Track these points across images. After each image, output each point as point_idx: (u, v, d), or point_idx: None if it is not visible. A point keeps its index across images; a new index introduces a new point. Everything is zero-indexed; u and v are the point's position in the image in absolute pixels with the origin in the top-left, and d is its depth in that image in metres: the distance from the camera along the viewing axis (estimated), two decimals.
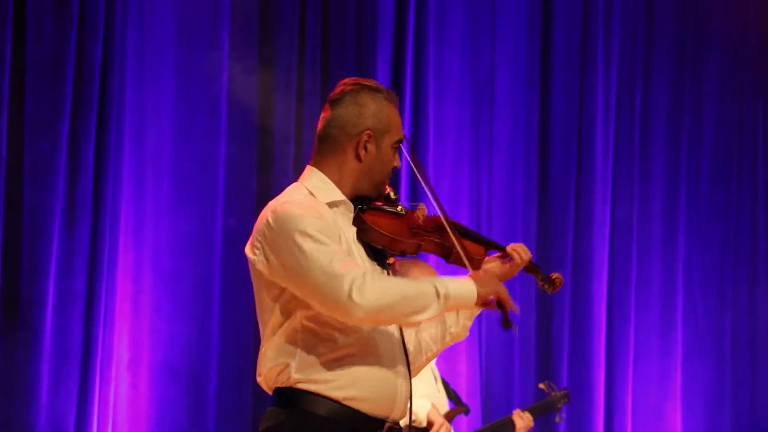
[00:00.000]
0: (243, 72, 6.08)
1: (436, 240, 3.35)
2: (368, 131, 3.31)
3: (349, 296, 3.11)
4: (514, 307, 3.24)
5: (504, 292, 3.24)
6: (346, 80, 3.38)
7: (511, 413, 5.34)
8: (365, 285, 3.12)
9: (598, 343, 6.62)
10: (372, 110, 3.32)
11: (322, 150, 3.35)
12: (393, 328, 3.31)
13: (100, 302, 5.74)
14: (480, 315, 6.29)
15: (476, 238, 3.47)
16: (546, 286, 3.55)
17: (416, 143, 6.50)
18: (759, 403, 6.92)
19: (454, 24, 6.64)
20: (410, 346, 3.39)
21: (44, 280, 5.69)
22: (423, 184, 3.40)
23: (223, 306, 5.93)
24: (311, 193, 3.30)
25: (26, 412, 5.60)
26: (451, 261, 3.40)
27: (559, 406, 5.60)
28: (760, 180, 7.06)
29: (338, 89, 3.36)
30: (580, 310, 6.65)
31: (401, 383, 3.30)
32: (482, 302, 3.23)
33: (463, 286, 3.20)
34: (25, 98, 5.75)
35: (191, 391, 5.87)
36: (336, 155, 3.33)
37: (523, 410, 5.36)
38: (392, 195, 3.39)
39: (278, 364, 3.25)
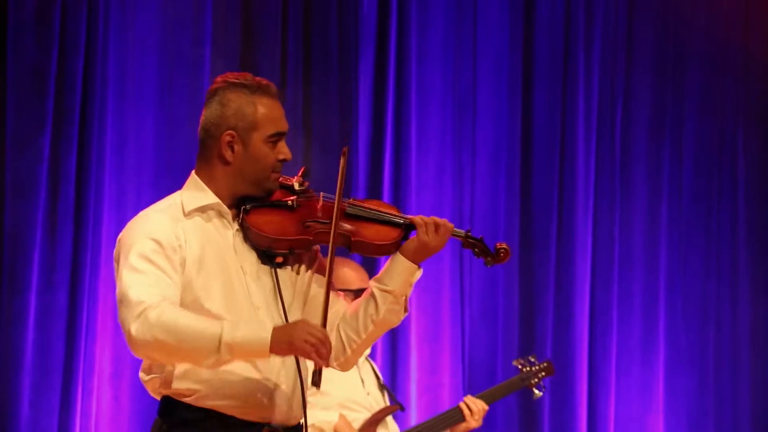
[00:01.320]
0: None
1: (329, 231, 3.19)
2: (230, 131, 3.20)
3: (130, 329, 3.03)
4: (320, 362, 3.06)
5: (308, 348, 3.02)
6: (218, 77, 3.27)
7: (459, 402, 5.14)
8: (149, 318, 3.01)
9: (581, 357, 6.61)
10: (233, 108, 3.20)
11: (198, 155, 3.29)
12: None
13: (81, 316, 5.72)
14: (462, 324, 6.32)
15: (389, 222, 3.31)
16: (488, 259, 3.43)
17: (399, 155, 6.49)
18: (741, 415, 6.92)
19: (436, 37, 6.65)
20: (331, 340, 3.20)
21: (26, 294, 5.67)
22: (338, 186, 3.24)
23: None
24: (182, 202, 3.22)
25: (7, 426, 5.58)
26: (354, 251, 3.30)
27: (534, 381, 5.34)
28: (740, 195, 7.07)
29: (211, 87, 3.27)
30: (563, 324, 6.64)
31: (283, 383, 3.22)
32: (278, 352, 3.06)
33: (255, 334, 3.03)
34: (6, 112, 5.74)
35: None
36: (206, 159, 3.26)
37: (477, 396, 5.21)
38: (296, 186, 3.28)
39: (151, 377, 3.23)
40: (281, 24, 6.26)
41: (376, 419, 4.86)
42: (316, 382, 3.11)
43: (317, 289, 3.33)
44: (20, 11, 5.77)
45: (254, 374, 3.19)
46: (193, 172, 3.29)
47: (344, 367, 3.37)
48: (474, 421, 5.07)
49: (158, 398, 3.25)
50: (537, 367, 5.35)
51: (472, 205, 6.60)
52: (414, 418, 6.11)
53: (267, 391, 3.21)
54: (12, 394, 5.60)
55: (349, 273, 4.81)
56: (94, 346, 5.74)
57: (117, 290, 3.13)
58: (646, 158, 6.95)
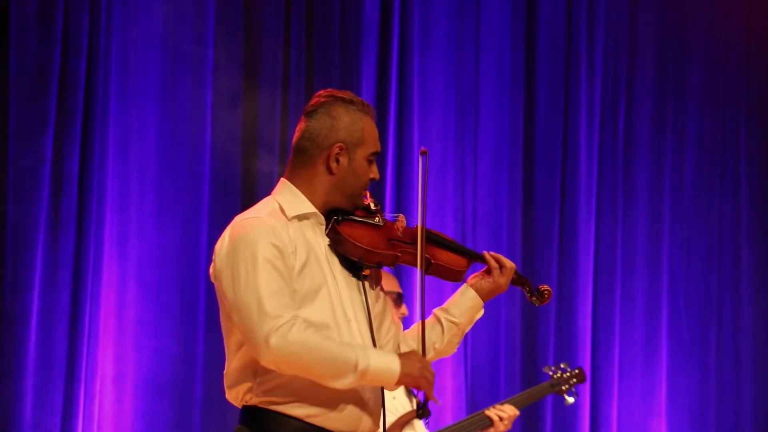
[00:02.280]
0: (227, 85, 6.07)
1: (414, 251, 3.34)
2: (340, 144, 3.30)
3: (266, 339, 3.10)
4: (434, 399, 3.24)
5: (426, 381, 3.21)
6: (321, 92, 3.37)
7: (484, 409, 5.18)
8: (288, 333, 3.10)
9: (583, 358, 6.62)
10: (345, 122, 3.31)
11: (295, 162, 3.35)
12: (362, 338, 3.29)
13: (84, 316, 5.71)
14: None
15: (458, 250, 3.46)
16: (534, 299, 3.56)
17: (401, 155, 6.49)
18: (743, 413, 6.93)
19: (438, 36, 6.64)
20: None
21: (28, 294, 5.66)
22: (420, 196, 3.37)
23: (209, 320, 5.91)
24: (281, 207, 3.29)
25: (10, 426, 5.57)
26: (429, 273, 3.40)
27: (564, 387, 5.34)
28: (742, 193, 7.08)
29: (313, 101, 3.36)
30: (566, 325, 6.65)
31: (368, 396, 3.29)
32: (404, 383, 3.21)
33: (386, 365, 3.18)
34: (8, 111, 5.72)
35: (176, 406, 5.84)
36: (307, 168, 3.33)
37: (506, 401, 5.22)
38: (372, 206, 3.38)
39: (241, 383, 3.26)
40: (284, 23, 6.25)
41: (401, 423, 4.88)
42: (425, 413, 3.29)
43: (381, 311, 3.44)
44: (23, 10, 5.76)
45: None
46: (283, 179, 3.36)
47: (393, 388, 3.41)
48: (503, 426, 5.08)
49: (238, 406, 3.29)
50: (568, 374, 5.37)
51: (475, 205, 6.60)
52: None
53: (356, 402, 3.28)
54: (14, 394, 5.59)
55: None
56: (96, 346, 5.73)
57: (240, 295, 3.16)
58: (648, 155, 6.96)
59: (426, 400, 3.25)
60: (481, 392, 6.45)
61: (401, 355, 3.22)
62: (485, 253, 3.50)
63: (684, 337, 6.88)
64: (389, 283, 4.81)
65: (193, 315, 5.92)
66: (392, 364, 3.18)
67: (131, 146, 5.94)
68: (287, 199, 3.32)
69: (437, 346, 3.45)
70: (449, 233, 3.47)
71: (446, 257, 3.42)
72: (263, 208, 3.32)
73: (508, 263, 3.49)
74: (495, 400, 6.42)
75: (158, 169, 5.96)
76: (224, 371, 3.30)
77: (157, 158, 5.98)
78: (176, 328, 5.90)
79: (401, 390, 5.00)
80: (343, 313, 3.28)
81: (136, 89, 5.96)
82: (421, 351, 3.28)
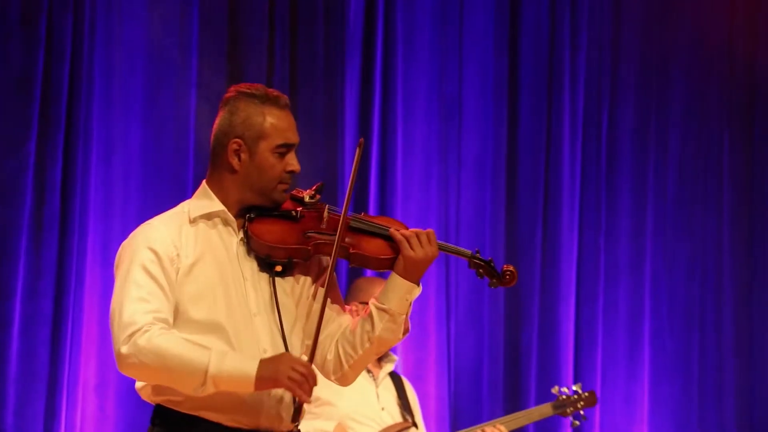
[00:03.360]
0: (211, 92, 6.05)
1: (333, 242, 3.23)
2: (236, 139, 3.25)
3: (119, 348, 3.09)
4: (303, 398, 3.13)
5: (290, 382, 3.08)
6: (231, 87, 3.32)
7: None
8: (138, 341, 3.07)
9: (566, 366, 6.62)
10: (241, 117, 3.25)
11: (209, 163, 3.33)
12: (270, 334, 3.24)
13: (67, 324, 5.69)
14: (448, 333, 6.33)
15: (386, 235, 3.31)
16: (494, 281, 3.39)
17: (385, 162, 6.48)
18: (726, 425, 6.94)
19: (422, 42, 6.64)
20: (329, 355, 3.33)
21: (10, 301, 5.64)
22: (349, 187, 3.29)
23: None
24: (189, 209, 3.28)
25: None
26: (354, 263, 3.31)
27: (569, 410, 5.32)
28: (725, 203, 7.10)
29: (222, 97, 3.32)
30: (549, 332, 6.65)
31: (271, 394, 3.22)
32: (263, 387, 3.12)
33: (240, 369, 3.10)
34: None
35: None
36: (216, 167, 3.31)
37: (504, 418, 5.19)
38: (307, 198, 3.32)
39: (144, 384, 3.26)
40: (268, 31, 6.24)
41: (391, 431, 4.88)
42: (296, 418, 3.21)
43: (318, 306, 3.32)
44: (6, 16, 5.74)
45: None
46: (203, 181, 3.33)
47: (342, 381, 3.38)
48: None
49: (153, 404, 3.28)
50: (576, 396, 5.33)
51: (458, 212, 6.60)
52: None
53: (257, 399, 3.22)
54: None
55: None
56: (79, 354, 5.71)
57: (112, 300, 3.18)
58: (631, 163, 6.97)
59: (297, 404, 3.18)
60: (464, 396, 6.45)
61: (265, 359, 3.12)
62: (396, 232, 3.31)
63: (667, 345, 6.89)
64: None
65: None
66: (247, 368, 3.08)
67: (115, 152, 5.92)
68: (197, 202, 3.30)
69: (371, 335, 3.30)
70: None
71: (372, 245, 3.29)
72: (169, 212, 3.33)
73: (425, 232, 3.30)
74: (478, 406, 6.44)
75: (142, 175, 5.94)
76: None
77: (141, 164, 5.96)
78: None
79: (393, 401, 4.99)
80: (246, 309, 3.24)
81: (119, 95, 5.94)
82: (310, 355, 3.18)
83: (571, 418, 5.36)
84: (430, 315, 6.38)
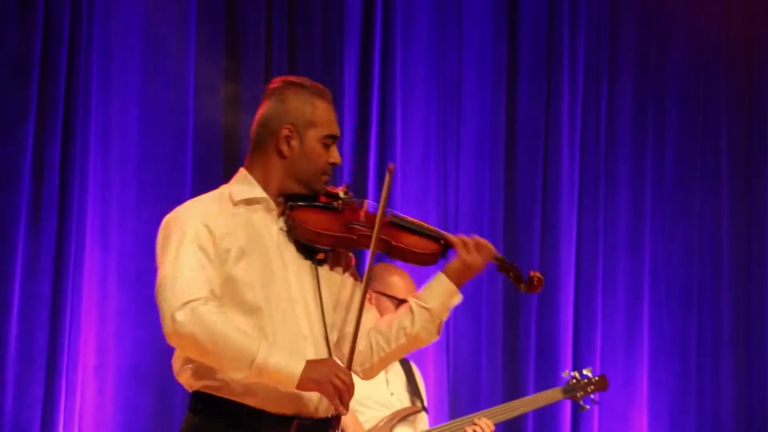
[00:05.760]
0: (209, 76, 6.06)
1: (371, 234, 3.28)
2: (288, 126, 3.30)
3: (173, 314, 3.09)
4: (340, 409, 3.14)
5: (332, 389, 3.11)
6: (276, 78, 3.40)
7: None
8: (195, 311, 3.07)
9: (565, 349, 6.63)
10: (293, 105, 3.32)
11: (251, 150, 3.37)
12: (309, 321, 3.27)
13: (65, 306, 5.68)
14: (447, 319, 6.32)
15: (427, 234, 3.40)
16: (521, 285, 3.50)
17: (384, 146, 6.48)
18: (723, 407, 6.96)
19: (420, 27, 6.64)
20: (360, 346, 3.36)
21: (9, 284, 5.63)
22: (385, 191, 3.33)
23: None
24: (230, 193, 3.30)
25: None
26: (393, 256, 3.38)
27: (579, 394, 5.26)
28: (723, 184, 7.11)
29: (267, 88, 3.38)
30: (547, 314, 6.65)
31: None
32: (305, 389, 3.14)
33: (287, 366, 3.11)
34: None
35: (158, 396, 5.82)
36: (261, 154, 3.34)
37: (507, 404, 5.19)
38: (341, 194, 3.38)
39: (183, 368, 3.25)
40: (266, 14, 6.24)
41: (395, 418, 4.87)
42: (334, 427, 3.23)
43: (348, 298, 3.39)
44: (3, 0, 5.73)
45: None
46: (241, 168, 3.37)
47: (367, 374, 3.43)
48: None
49: (190, 391, 3.27)
50: (587, 380, 5.30)
51: (457, 196, 6.60)
52: None
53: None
54: None
55: (398, 281, 4.83)
56: (78, 337, 5.70)
57: (161, 269, 3.19)
58: (630, 145, 6.98)
59: (335, 413, 3.21)
60: (462, 382, 6.45)
61: (312, 361, 3.14)
62: (457, 237, 3.42)
63: (665, 327, 6.90)
64: (407, 288, 4.77)
65: None
66: (293, 366, 3.10)
67: (113, 135, 5.91)
68: (238, 187, 3.33)
69: (408, 330, 3.38)
70: (431, 224, 3.44)
71: (411, 240, 3.36)
72: (210, 194, 3.35)
73: (482, 241, 3.40)
74: (476, 390, 6.44)
75: (140, 158, 5.94)
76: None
77: (139, 147, 5.96)
78: (158, 319, 5.80)
79: (402, 386, 4.99)
80: (288, 296, 3.26)
81: (117, 78, 5.94)
82: (349, 355, 3.22)
83: (581, 403, 5.33)
84: None
